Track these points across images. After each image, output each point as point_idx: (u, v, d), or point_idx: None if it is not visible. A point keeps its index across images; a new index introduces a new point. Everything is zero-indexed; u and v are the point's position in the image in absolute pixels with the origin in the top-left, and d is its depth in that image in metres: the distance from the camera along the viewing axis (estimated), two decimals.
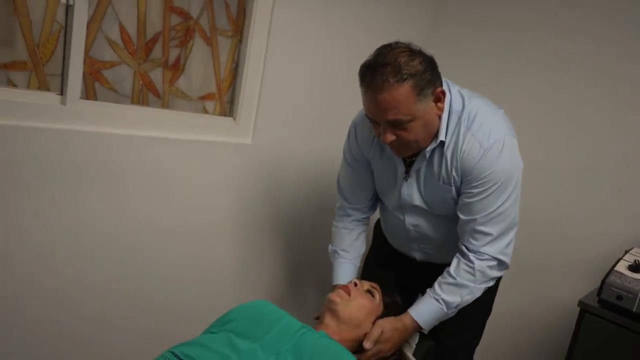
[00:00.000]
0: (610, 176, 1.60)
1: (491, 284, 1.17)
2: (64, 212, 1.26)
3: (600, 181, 1.63)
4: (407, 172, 1.20)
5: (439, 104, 1.07)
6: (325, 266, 1.41)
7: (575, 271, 1.65)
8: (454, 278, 1.14)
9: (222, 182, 1.56)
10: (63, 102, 1.24)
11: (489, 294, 1.36)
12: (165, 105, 1.45)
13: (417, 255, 1.36)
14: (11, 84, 1.18)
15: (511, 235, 1.14)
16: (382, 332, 1.11)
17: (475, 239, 1.13)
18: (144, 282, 1.46)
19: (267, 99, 1.59)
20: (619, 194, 1.59)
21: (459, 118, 1.09)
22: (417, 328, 1.17)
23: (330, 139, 1.67)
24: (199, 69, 1.49)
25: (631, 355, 1.15)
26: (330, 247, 1.39)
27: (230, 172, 1.57)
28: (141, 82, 1.38)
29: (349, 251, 1.36)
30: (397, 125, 1.04)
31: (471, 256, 1.13)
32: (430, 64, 1.03)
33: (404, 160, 1.19)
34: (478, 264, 1.12)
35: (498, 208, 1.09)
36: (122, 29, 1.31)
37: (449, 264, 1.17)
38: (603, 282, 1.21)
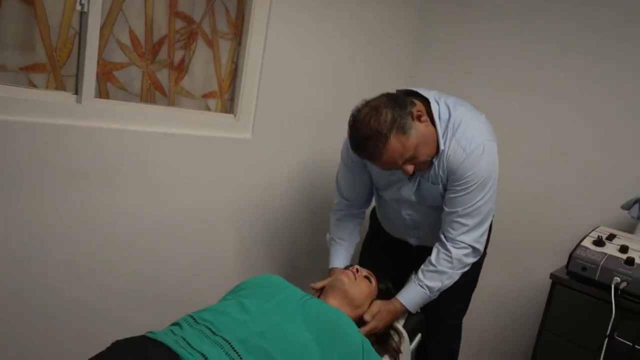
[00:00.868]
0: (579, 164, 1.77)
1: (467, 269, 1.32)
2: (79, 204, 1.35)
3: (570, 169, 1.79)
4: (411, 176, 1.32)
5: (422, 119, 1.19)
6: (324, 260, 1.53)
7: (549, 251, 1.81)
8: (435, 266, 1.29)
9: (224, 175, 1.67)
10: (78, 101, 1.33)
11: (474, 271, 1.52)
12: (171, 103, 1.55)
13: (412, 241, 1.50)
14: (31, 84, 1.27)
15: (485, 226, 1.29)
16: (379, 311, 1.26)
17: (454, 228, 1.27)
18: (145, 275, 1.53)
19: (265, 97, 1.70)
20: (588, 180, 1.75)
21: (447, 126, 1.23)
22: (406, 311, 1.33)
23: (327, 134, 1.80)
24: (202, 69, 1.60)
25: (594, 319, 1.30)
26: (327, 236, 1.53)
27: (231, 166, 1.68)
28: (149, 81, 1.49)
29: (345, 239, 1.50)
30: (408, 161, 1.18)
31: (449, 245, 1.28)
32: (393, 104, 1.14)
33: None
34: (455, 252, 1.27)
35: (476, 203, 1.24)
36: (132, 33, 1.41)
37: None
38: (570, 255, 1.36)
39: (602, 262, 1.29)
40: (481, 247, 1.30)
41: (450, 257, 1.27)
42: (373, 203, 1.61)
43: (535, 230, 1.87)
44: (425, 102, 1.24)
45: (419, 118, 1.18)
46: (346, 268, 1.36)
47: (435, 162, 1.25)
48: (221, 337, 0.96)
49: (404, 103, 1.16)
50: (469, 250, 1.28)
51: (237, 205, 1.74)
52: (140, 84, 1.47)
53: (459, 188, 1.24)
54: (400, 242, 1.54)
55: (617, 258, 1.29)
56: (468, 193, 1.23)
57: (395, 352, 1.27)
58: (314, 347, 0.99)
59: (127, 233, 1.47)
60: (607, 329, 1.24)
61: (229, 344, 0.95)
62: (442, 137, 1.22)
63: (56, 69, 1.30)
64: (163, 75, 1.52)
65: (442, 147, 1.22)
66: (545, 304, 1.42)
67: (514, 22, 1.92)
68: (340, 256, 1.48)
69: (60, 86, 1.32)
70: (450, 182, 1.25)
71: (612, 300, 1.23)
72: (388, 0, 1.99)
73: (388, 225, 1.56)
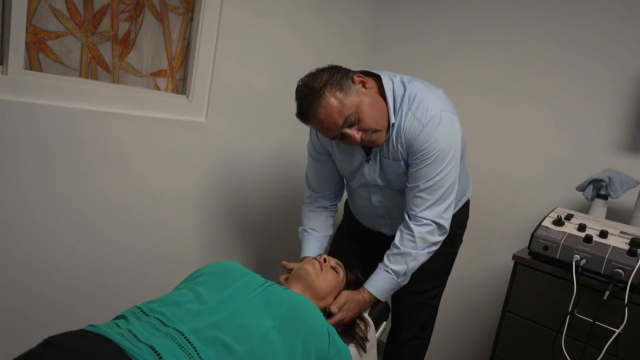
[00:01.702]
0: (535, 148, 1.80)
1: (434, 248, 1.27)
2: (7, 186, 1.20)
3: (526, 154, 1.82)
4: (368, 156, 1.29)
5: (367, 85, 1.17)
6: (289, 240, 1.46)
7: (509, 235, 1.83)
8: (398, 248, 1.25)
9: (178, 159, 1.55)
10: (4, 72, 1.18)
11: (449, 257, 1.51)
12: (115, 80, 1.41)
13: (386, 230, 1.46)
14: None
15: (448, 202, 1.25)
16: (346, 302, 1.20)
17: (416, 204, 1.23)
18: (100, 261, 1.42)
19: (220, 79, 1.60)
20: (545, 164, 1.78)
21: (402, 101, 1.20)
22: (375, 300, 1.27)
23: (284, 118, 1.71)
24: (150, 45, 1.47)
25: (556, 298, 1.31)
26: (299, 228, 1.47)
27: (185, 149, 1.56)
28: (89, 55, 1.34)
29: (317, 230, 1.44)
30: (352, 124, 1.13)
31: (411, 224, 1.23)
32: (333, 69, 1.16)
33: (363, 146, 1.27)
34: (417, 230, 1.23)
35: (437, 176, 1.20)
36: None
37: None
38: (532, 235, 1.36)
39: (562, 241, 1.30)
40: (446, 224, 1.25)
41: (413, 235, 1.23)
42: (345, 197, 1.57)
43: (495, 215, 1.88)
44: (378, 80, 1.22)
45: (362, 84, 1.16)
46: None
47: (393, 135, 1.21)
48: (173, 328, 0.86)
49: (345, 70, 1.17)
50: (433, 227, 1.24)
51: (189, 191, 1.62)
52: (79, 57, 1.33)
53: (417, 161, 1.20)
54: (375, 233, 1.50)
55: (576, 236, 1.31)
56: (427, 165, 1.19)
57: (362, 340, 1.21)
58: (275, 335, 0.91)
59: (57, 218, 1.31)
60: (569, 307, 1.25)
61: (183, 335, 0.85)
62: (398, 111, 1.20)
63: None
64: (106, 49, 1.38)
65: (392, 119, 1.19)
66: (508, 284, 1.42)
67: (470, 9, 1.94)
68: (313, 246, 1.41)
69: None
70: (410, 156, 1.22)
71: (573, 278, 1.24)
72: None
73: (361, 216, 1.52)
